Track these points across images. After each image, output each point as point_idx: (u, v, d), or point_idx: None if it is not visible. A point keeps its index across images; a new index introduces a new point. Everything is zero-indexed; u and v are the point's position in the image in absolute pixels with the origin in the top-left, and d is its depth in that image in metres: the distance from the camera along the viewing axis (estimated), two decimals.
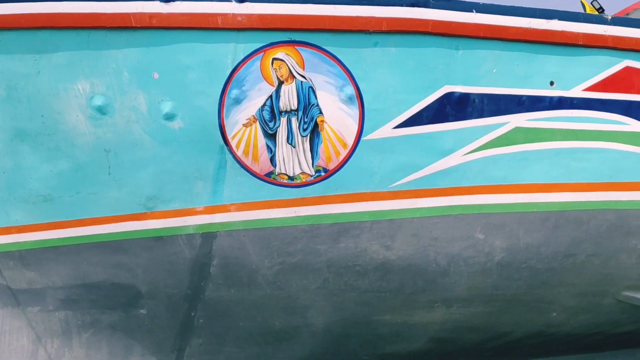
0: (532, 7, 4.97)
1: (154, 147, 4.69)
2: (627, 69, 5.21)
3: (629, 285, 5.39)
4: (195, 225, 4.94)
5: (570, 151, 5.02)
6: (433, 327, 5.61)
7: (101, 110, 4.51)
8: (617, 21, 5.17)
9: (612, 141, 5.10)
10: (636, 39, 5.21)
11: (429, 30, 4.73)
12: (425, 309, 5.34)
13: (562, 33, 5.01)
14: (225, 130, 4.68)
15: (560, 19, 5.01)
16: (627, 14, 10.97)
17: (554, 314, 5.62)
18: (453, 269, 5.04)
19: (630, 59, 5.22)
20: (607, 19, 5.14)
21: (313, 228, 4.92)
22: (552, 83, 5.03)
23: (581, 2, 12.89)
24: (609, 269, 5.23)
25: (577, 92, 5.06)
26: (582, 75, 5.09)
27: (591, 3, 12.73)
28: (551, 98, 5.01)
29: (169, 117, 4.60)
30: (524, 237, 5.01)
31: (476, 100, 4.89)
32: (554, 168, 5.00)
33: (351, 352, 5.95)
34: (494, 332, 5.86)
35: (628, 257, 5.21)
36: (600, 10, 12.54)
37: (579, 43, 5.06)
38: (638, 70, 5.23)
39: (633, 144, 5.14)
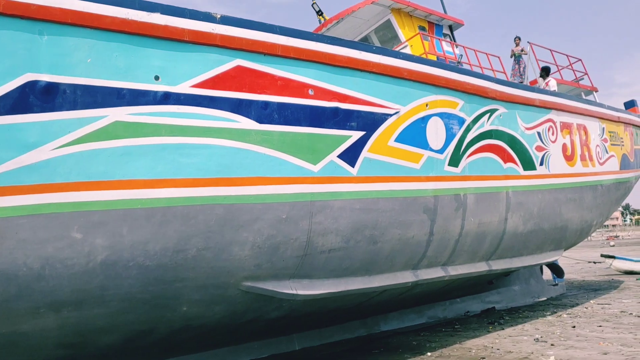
0: None
1: None
2: (239, 68, 5.41)
3: (247, 276, 5.62)
4: None
5: (177, 147, 5.01)
6: (53, 334, 5.18)
7: None
8: (226, 20, 5.32)
9: (221, 138, 5.23)
10: (246, 39, 5.43)
11: (1, 10, 4.27)
12: (31, 317, 4.88)
13: (166, 27, 4.97)
14: None
15: (164, 13, 4.97)
16: (341, 18, 11.92)
17: (185, 308, 5.62)
18: (49, 272, 4.66)
19: (241, 58, 5.42)
20: (216, 18, 5.26)
21: None
22: (157, 78, 4.95)
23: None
24: (224, 262, 5.37)
25: (184, 88, 5.08)
26: (190, 72, 5.12)
27: (312, 5, 13.59)
28: (156, 93, 4.93)
29: None
30: (129, 234, 4.85)
31: (67, 91, 4.57)
32: (159, 163, 4.93)
33: None
34: (130, 331, 5.67)
35: (241, 249, 5.41)
36: (320, 12, 13.42)
37: (185, 39, 5.08)
38: (249, 69, 5.47)
39: (242, 141, 5.34)
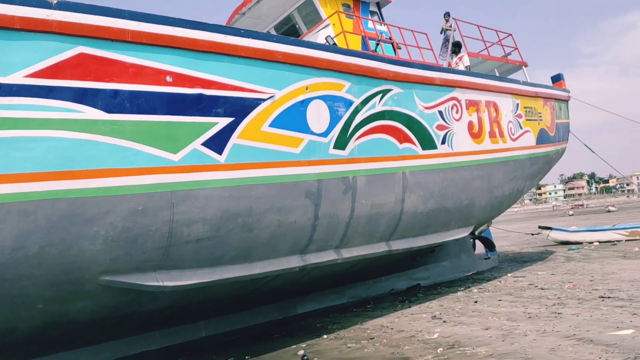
0: None
1: None
2: (82, 55, 5.17)
3: (104, 270, 5.48)
4: None
5: (10, 140, 4.78)
6: None
7: None
8: (64, 5, 5.06)
9: (63, 129, 5.02)
10: (89, 26, 5.18)
11: None
12: None
13: None
14: None
15: None
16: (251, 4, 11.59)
17: (41, 305, 5.47)
18: None
19: (85, 45, 5.18)
20: (51, 3, 4.99)
21: None
22: None
23: None
24: (73, 257, 5.22)
25: (17, 78, 4.83)
26: (23, 61, 4.86)
27: None
28: None
29: None
30: None
31: None
32: None
33: None
34: None
35: (92, 244, 5.26)
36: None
37: (16, 27, 4.81)
38: (94, 56, 5.23)
39: (88, 132, 5.14)
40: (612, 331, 6.27)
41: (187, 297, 6.71)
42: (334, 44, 11.05)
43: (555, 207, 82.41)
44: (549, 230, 19.84)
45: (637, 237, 18.01)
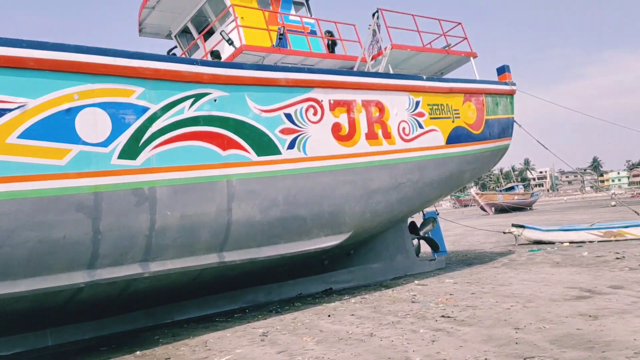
0: None
1: None
2: None
3: None
4: None
5: None
6: None
7: None
8: None
9: None
10: None
11: None
12: None
13: None
14: None
15: None
16: None
17: None
18: None
19: None
20: None
21: None
22: None
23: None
24: None
25: None
26: None
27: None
28: None
29: None
30: None
31: None
32: None
33: None
34: None
35: None
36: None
37: None
38: None
39: None
40: None
41: None
42: (229, 39, 10.59)
43: (613, 195, 78.27)
44: (522, 229, 18.65)
45: (612, 238, 16.63)
